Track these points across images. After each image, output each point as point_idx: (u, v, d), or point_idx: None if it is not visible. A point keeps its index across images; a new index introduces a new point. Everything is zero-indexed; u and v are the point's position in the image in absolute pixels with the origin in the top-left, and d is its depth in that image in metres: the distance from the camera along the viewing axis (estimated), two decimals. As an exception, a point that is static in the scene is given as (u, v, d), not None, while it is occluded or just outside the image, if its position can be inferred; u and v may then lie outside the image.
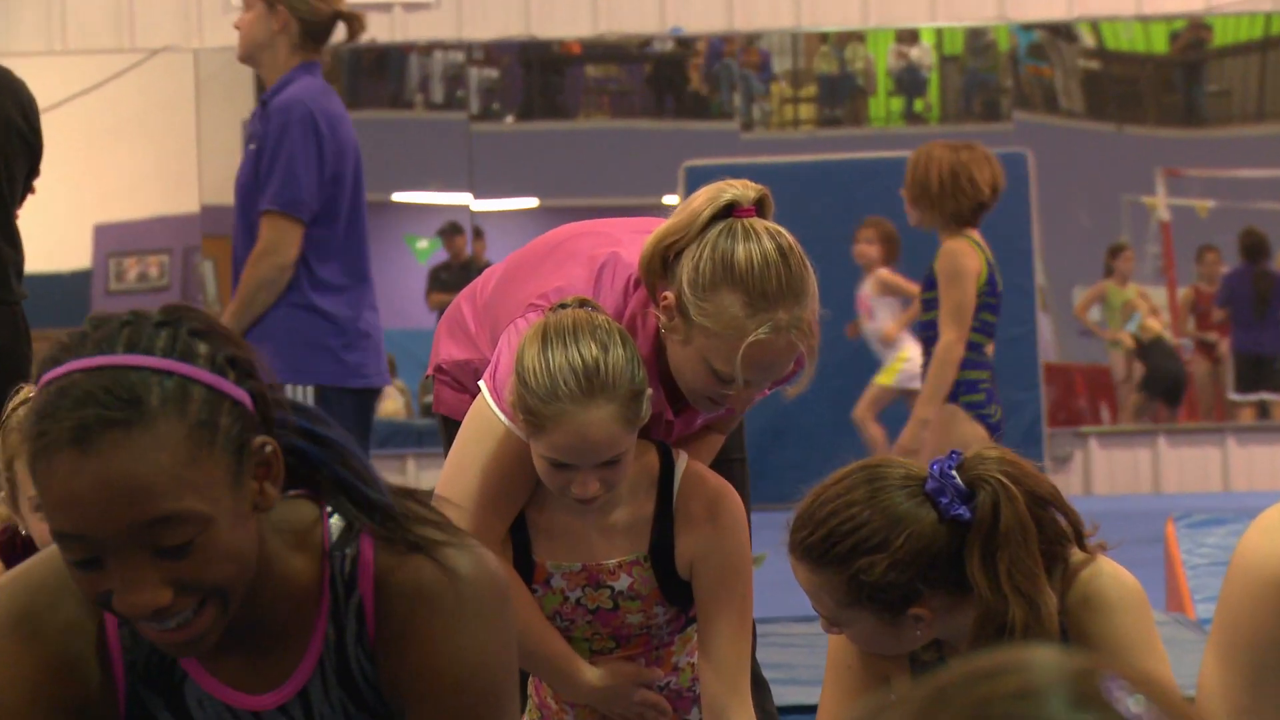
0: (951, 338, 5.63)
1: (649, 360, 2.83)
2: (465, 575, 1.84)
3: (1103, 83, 12.21)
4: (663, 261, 2.80)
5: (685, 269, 2.77)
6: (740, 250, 2.76)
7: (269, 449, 1.78)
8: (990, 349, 5.86)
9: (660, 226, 2.84)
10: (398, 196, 12.26)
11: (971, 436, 5.54)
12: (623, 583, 2.86)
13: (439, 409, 3.21)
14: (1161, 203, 11.97)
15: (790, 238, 2.84)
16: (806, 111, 12.33)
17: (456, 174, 12.02)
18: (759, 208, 2.85)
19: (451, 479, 2.86)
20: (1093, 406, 11.95)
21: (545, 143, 12.60)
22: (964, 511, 2.46)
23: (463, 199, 12.29)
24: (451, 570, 1.84)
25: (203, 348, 1.75)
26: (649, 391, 2.74)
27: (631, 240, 2.94)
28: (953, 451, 2.53)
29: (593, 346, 2.69)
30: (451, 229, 12.27)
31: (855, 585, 2.46)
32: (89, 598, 1.73)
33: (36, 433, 1.69)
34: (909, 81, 12.17)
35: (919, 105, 12.20)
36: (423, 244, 12.35)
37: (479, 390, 2.97)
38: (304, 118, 4.95)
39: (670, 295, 2.79)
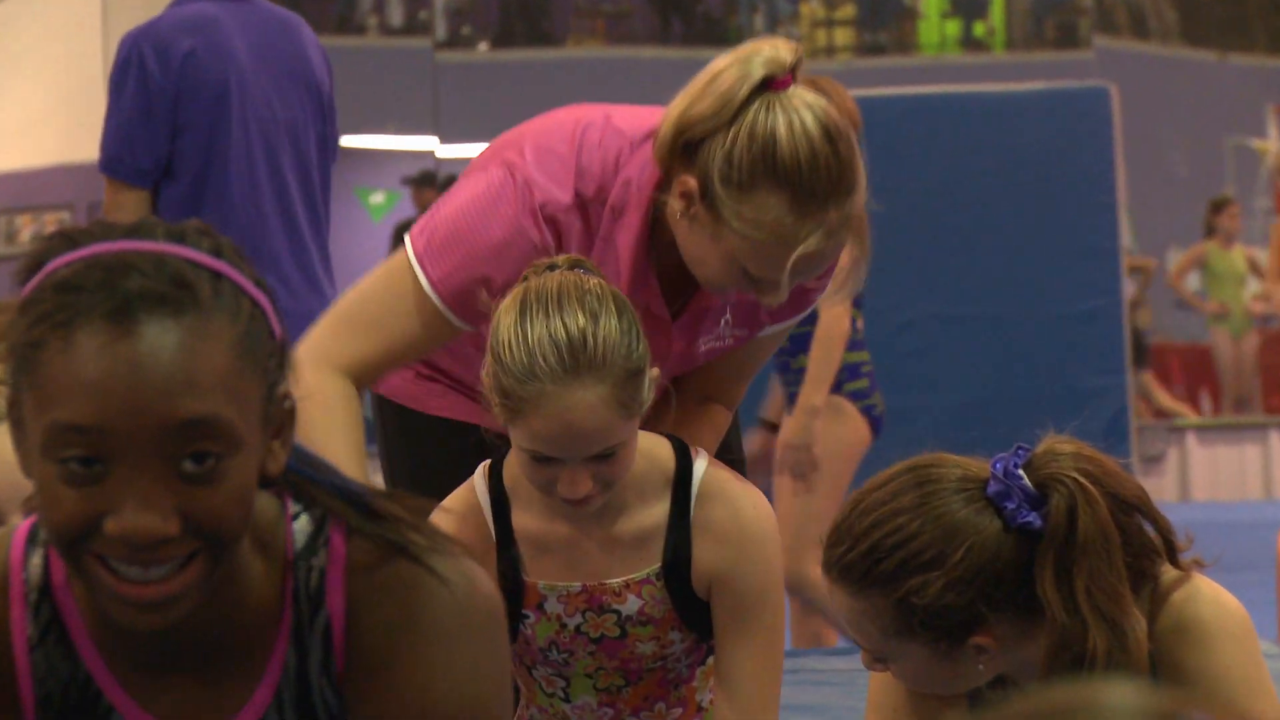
0: (839, 309, 5.67)
1: (640, 241, 2.88)
2: (455, 594, 1.86)
3: (1202, 2, 12.23)
4: (684, 147, 2.81)
5: (716, 159, 2.77)
6: (783, 139, 2.76)
7: (289, 404, 1.81)
8: (861, 323, 5.95)
9: (678, 105, 2.83)
10: (347, 141, 12.23)
11: (855, 437, 5.73)
12: (631, 605, 2.87)
13: (377, 388, 3.23)
14: (1274, 146, 11.95)
15: (833, 111, 2.83)
16: (843, 37, 12.35)
17: (418, 114, 12.01)
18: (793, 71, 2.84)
19: (338, 332, 2.94)
20: (1191, 395, 11.96)
21: (525, 75, 12.57)
22: (1034, 519, 2.48)
23: (426, 144, 12.29)
24: (439, 587, 1.85)
25: (245, 265, 1.78)
26: (654, 372, 2.75)
27: (631, 115, 2.96)
28: (1019, 446, 2.53)
29: (580, 315, 2.70)
30: (422, 179, 12.22)
31: (905, 610, 2.47)
32: (71, 521, 1.72)
33: (53, 306, 1.68)
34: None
35: (979, 29, 12.25)
36: (378, 198, 12.33)
37: (429, 372, 3.01)
38: (125, 60, 4.93)
39: (692, 182, 2.80)
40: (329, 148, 5.14)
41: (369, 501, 1.87)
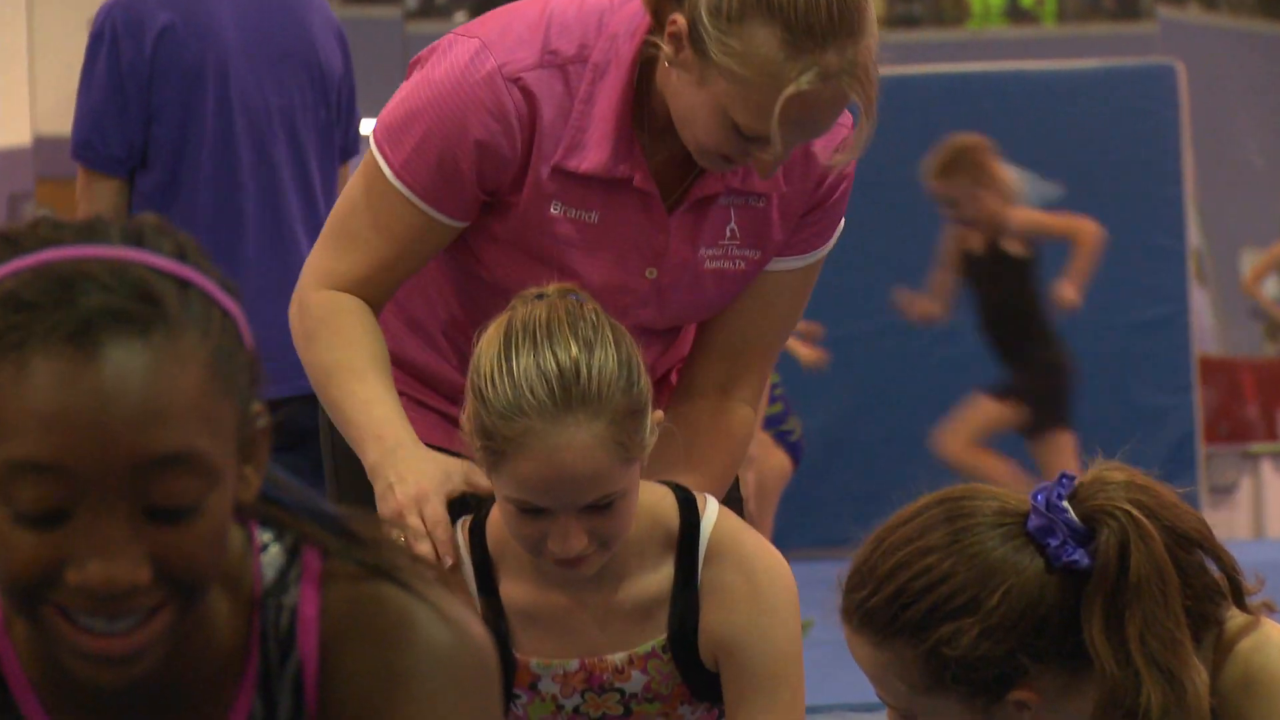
0: None
1: (624, 100, 2.91)
2: (446, 641, 1.84)
3: (1282, -32, 12.28)
4: None
5: None
6: None
7: (262, 422, 1.79)
8: None
9: None
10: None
11: (768, 467, 5.75)
12: (636, 683, 2.88)
13: None
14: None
15: None
16: (875, 8, 12.41)
17: (386, 90, 12.07)
18: None
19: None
20: (1267, 416, 12.00)
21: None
22: (1080, 557, 2.46)
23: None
24: (427, 633, 1.83)
25: (210, 267, 1.75)
26: (657, 415, 2.76)
27: None
28: (1063, 475, 2.53)
29: (572, 345, 2.71)
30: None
31: (936, 662, 2.46)
32: (26, 571, 1.70)
33: (2, 326, 1.64)
34: (1014, -34, 12.28)
35: (1028, 0, 12.30)
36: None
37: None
38: (98, 34, 5.00)
39: (681, 19, 2.82)
40: (334, 139, 5.16)
41: (348, 526, 1.86)
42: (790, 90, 2.78)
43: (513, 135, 2.99)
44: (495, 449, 2.69)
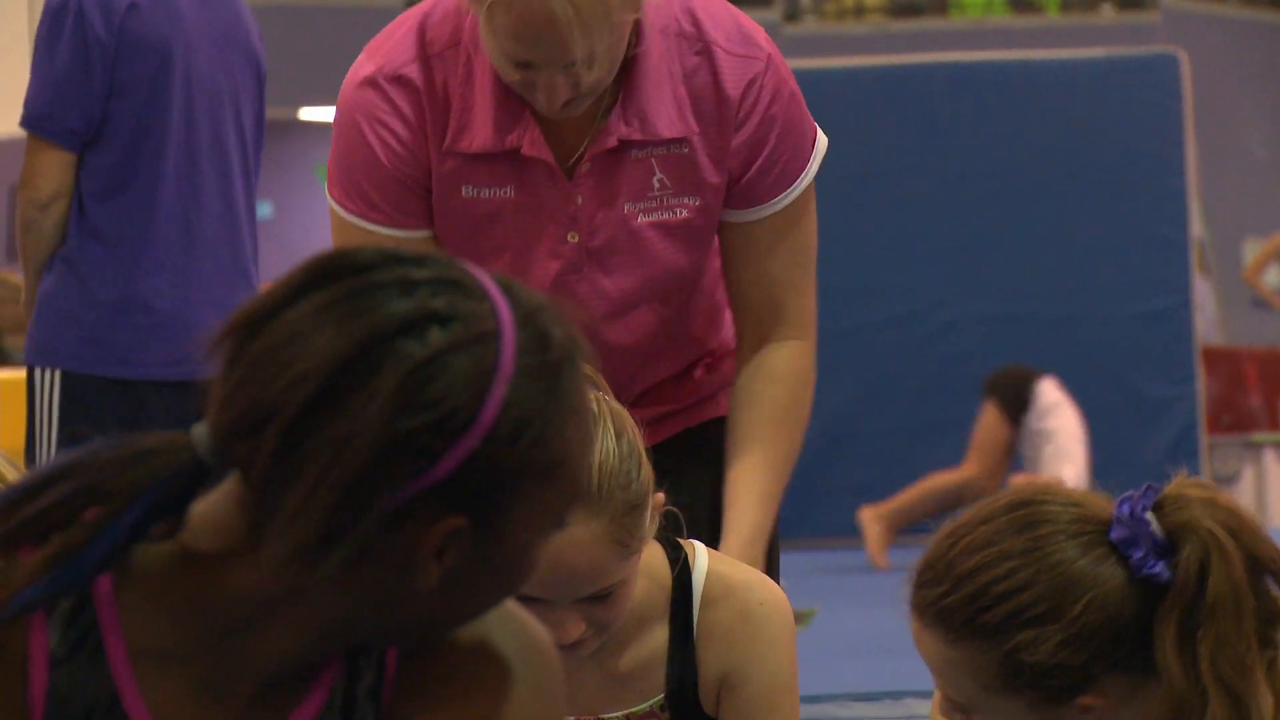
0: None
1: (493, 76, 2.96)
2: (515, 643, 1.92)
3: (1285, -43, 12.27)
4: None
5: None
6: None
7: None
8: None
9: None
10: (306, 114, 12.27)
11: None
12: None
13: None
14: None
15: None
16: (875, -3, 12.43)
17: None
18: None
19: None
20: (1269, 406, 12.01)
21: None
22: (1162, 570, 2.47)
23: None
24: (499, 637, 1.90)
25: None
26: (658, 497, 2.75)
27: None
28: (1149, 486, 2.54)
29: None
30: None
31: (1011, 666, 2.47)
32: None
33: None
34: (1016, -46, 12.29)
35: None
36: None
37: None
38: (61, 7, 5.01)
39: None
40: (263, 127, 5.26)
41: None
42: (523, 7, 2.84)
43: (411, 130, 3.07)
44: None
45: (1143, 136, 10.50)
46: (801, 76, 3.38)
